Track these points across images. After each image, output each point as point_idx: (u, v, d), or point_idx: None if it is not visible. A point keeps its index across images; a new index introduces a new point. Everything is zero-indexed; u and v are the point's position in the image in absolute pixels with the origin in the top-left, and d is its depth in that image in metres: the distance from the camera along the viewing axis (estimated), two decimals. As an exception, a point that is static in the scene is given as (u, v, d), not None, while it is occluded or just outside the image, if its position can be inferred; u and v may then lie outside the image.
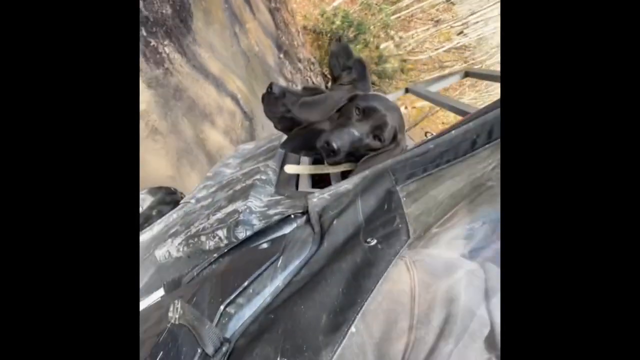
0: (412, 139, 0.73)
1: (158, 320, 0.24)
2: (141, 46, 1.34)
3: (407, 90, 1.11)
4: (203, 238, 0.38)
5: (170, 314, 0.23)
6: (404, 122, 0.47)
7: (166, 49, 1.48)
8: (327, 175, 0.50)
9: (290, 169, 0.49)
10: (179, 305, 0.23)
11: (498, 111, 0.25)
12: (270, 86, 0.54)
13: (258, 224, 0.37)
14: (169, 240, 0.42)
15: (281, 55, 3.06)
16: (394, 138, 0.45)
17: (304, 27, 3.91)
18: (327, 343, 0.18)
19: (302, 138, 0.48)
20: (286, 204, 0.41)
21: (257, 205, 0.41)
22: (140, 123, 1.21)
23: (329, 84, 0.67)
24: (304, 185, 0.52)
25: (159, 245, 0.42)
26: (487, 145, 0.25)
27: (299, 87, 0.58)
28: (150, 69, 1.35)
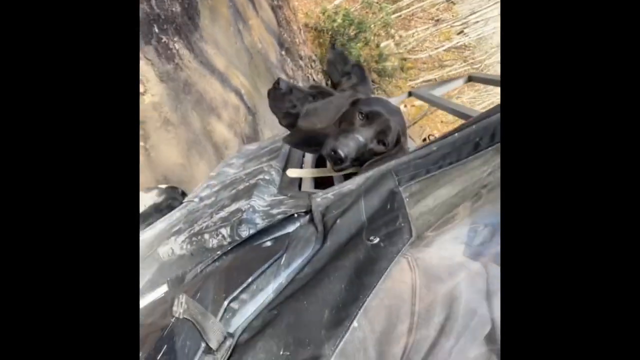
0: (411, 138, 0.74)
1: (162, 314, 0.24)
2: (153, 42, 1.40)
3: (410, 94, 1.12)
4: (206, 236, 0.38)
5: (174, 309, 0.23)
6: (405, 124, 0.47)
7: (176, 45, 1.55)
8: (330, 176, 0.50)
9: (292, 172, 0.49)
10: (183, 300, 0.23)
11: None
12: (278, 81, 0.55)
13: (261, 223, 0.37)
14: (172, 238, 0.42)
15: (283, 52, 3.09)
16: (398, 141, 0.45)
17: (306, 25, 3.92)
18: (330, 337, 0.19)
19: (305, 136, 0.49)
20: (289, 203, 0.41)
21: (261, 205, 0.41)
22: (154, 114, 1.29)
23: (329, 82, 0.69)
24: (307, 185, 0.52)
25: (162, 243, 0.42)
26: (489, 148, 0.25)
27: (301, 84, 0.61)
28: (162, 64, 1.41)
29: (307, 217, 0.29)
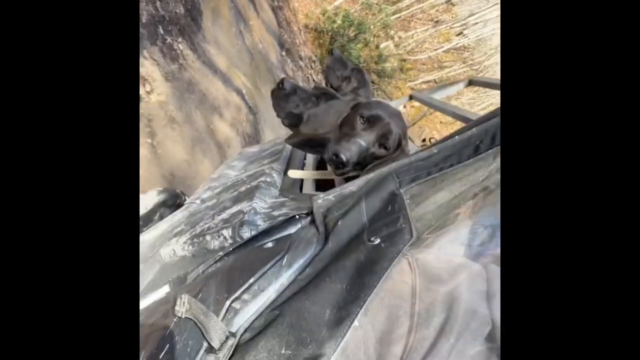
0: (410, 139, 0.74)
1: (164, 314, 0.24)
2: (159, 43, 1.45)
3: (411, 97, 1.12)
4: (208, 237, 0.38)
5: (177, 308, 0.23)
6: (406, 127, 0.47)
7: (180, 45, 1.60)
8: (331, 179, 0.50)
9: (294, 174, 0.49)
10: (185, 300, 0.23)
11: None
12: (282, 81, 0.55)
13: (263, 225, 0.37)
14: (174, 239, 0.42)
15: (283, 53, 3.10)
16: (399, 145, 0.45)
17: (306, 26, 3.93)
18: (331, 336, 0.19)
19: (307, 139, 0.49)
20: (291, 205, 0.41)
21: (262, 207, 0.41)
22: (160, 112, 1.33)
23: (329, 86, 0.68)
24: (308, 188, 0.52)
25: (164, 244, 0.42)
26: (490, 151, 0.26)
27: (301, 84, 0.59)
28: (167, 64, 1.46)
29: (309, 218, 0.30)
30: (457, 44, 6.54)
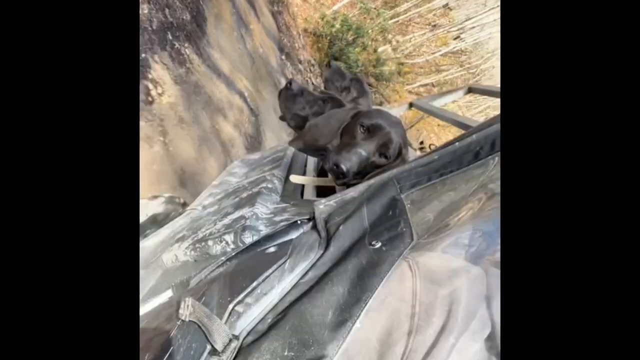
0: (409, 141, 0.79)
1: (167, 318, 0.25)
2: (168, 48, 1.56)
3: (411, 105, 1.14)
4: (210, 242, 0.38)
5: (180, 311, 0.23)
6: (406, 135, 0.48)
7: (187, 50, 1.70)
8: (332, 185, 0.51)
9: (295, 179, 0.49)
10: (189, 303, 0.23)
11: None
12: (290, 82, 0.55)
13: (264, 230, 0.37)
14: (176, 244, 0.42)
15: (283, 57, 3.14)
16: (399, 153, 0.45)
17: (305, 30, 3.97)
18: (333, 338, 0.19)
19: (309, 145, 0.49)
20: (292, 211, 0.41)
21: (264, 212, 0.42)
22: (170, 113, 1.44)
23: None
24: (309, 194, 0.53)
25: (166, 250, 0.42)
26: (489, 157, 0.26)
27: (311, 88, 0.59)
28: (175, 68, 1.57)
29: (310, 223, 0.30)
30: (454, 47, 6.63)
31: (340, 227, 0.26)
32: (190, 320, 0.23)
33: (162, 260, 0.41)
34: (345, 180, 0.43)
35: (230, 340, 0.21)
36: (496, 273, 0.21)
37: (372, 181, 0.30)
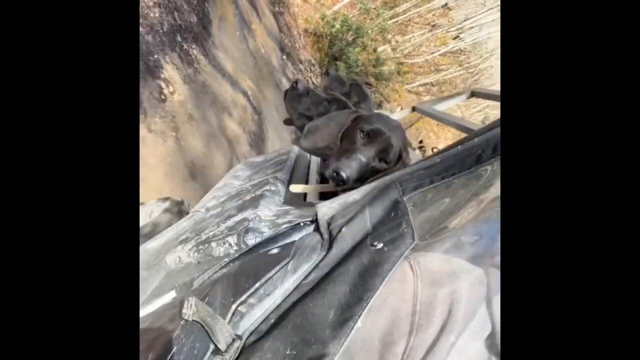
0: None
1: (171, 318, 0.25)
2: (177, 49, 1.66)
3: (414, 109, 1.14)
4: (213, 244, 0.38)
5: (184, 311, 0.23)
6: (407, 139, 0.48)
7: (194, 51, 1.79)
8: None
9: (295, 188, 0.49)
10: (192, 303, 0.23)
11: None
12: (295, 82, 0.55)
13: (267, 232, 0.37)
14: (179, 246, 0.42)
15: (284, 57, 3.16)
16: (399, 158, 0.45)
17: (305, 30, 3.98)
18: (334, 336, 0.19)
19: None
20: (295, 213, 0.41)
21: (267, 214, 0.42)
22: (181, 110, 1.54)
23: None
24: (312, 197, 0.53)
25: (169, 251, 0.42)
26: (491, 160, 0.26)
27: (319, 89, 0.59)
28: (184, 68, 1.67)
29: (313, 226, 0.30)
30: (453, 47, 6.64)
31: (343, 229, 0.27)
32: (193, 320, 0.23)
33: (166, 261, 0.42)
34: (346, 187, 0.43)
35: (234, 340, 0.21)
36: (496, 274, 0.21)
37: (374, 184, 0.30)
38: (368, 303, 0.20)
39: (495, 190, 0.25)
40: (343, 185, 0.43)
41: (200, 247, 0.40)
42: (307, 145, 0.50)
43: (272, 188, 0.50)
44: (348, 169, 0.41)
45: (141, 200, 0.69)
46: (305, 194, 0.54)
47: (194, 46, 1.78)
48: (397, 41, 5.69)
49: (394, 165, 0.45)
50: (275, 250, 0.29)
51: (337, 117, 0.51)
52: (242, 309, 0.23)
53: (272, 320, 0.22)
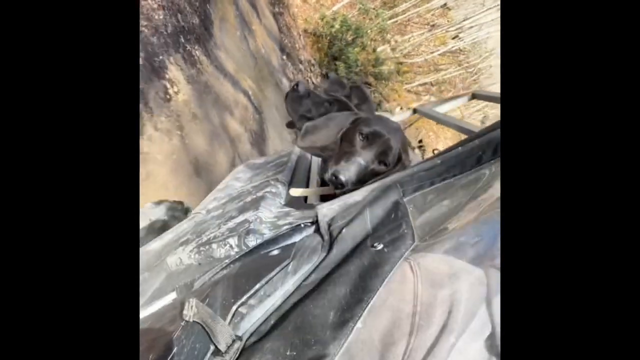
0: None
1: (172, 319, 0.25)
2: (180, 51, 1.71)
3: (415, 111, 1.14)
4: (214, 246, 0.38)
5: (185, 312, 0.23)
6: (406, 141, 0.48)
7: (197, 52, 1.85)
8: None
9: (295, 192, 0.49)
10: (193, 304, 0.24)
11: None
12: (297, 84, 0.55)
13: (268, 233, 0.37)
14: (180, 248, 0.42)
15: (284, 57, 3.17)
16: (399, 160, 0.45)
17: (305, 30, 3.98)
18: (335, 337, 0.19)
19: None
20: (296, 215, 0.41)
21: (267, 216, 0.42)
22: (185, 109, 1.59)
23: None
24: (313, 198, 0.53)
25: (170, 253, 0.42)
26: (492, 161, 0.26)
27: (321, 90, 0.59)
28: (188, 68, 1.73)
29: (313, 227, 0.30)
30: (452, 47, 6.64)
31: (343, 230, 0.27)
32: (194, 321, 0.23)
33: (167, 263, 0.42)
34: (345, 190, 0.43)
35: (234, 341, 0.21)
36: (496, 275, 0.21)
37: (375, 185, 0.30)
38: (368, 304, 0.20)
39: (495, 191, 0.25)
40: (342, 189, 0.43)
41: (201, 248, 0.40)
42: (304, 145, 0.49)
43: (273, 190, 0.50)
44: (347, 173, 0.41)
45: (148, 196, 0.69)
46: (306, 196, 0.54)
47: (196, 47, 1.83)
48: (396, 41, 5.69)
49: (393, 167, 0.45)
50: (275, 252, 0.29)
51: (336, 117, 0.51)
52: (242, 310, 0.23)
53: (273, 321, 0.22)
